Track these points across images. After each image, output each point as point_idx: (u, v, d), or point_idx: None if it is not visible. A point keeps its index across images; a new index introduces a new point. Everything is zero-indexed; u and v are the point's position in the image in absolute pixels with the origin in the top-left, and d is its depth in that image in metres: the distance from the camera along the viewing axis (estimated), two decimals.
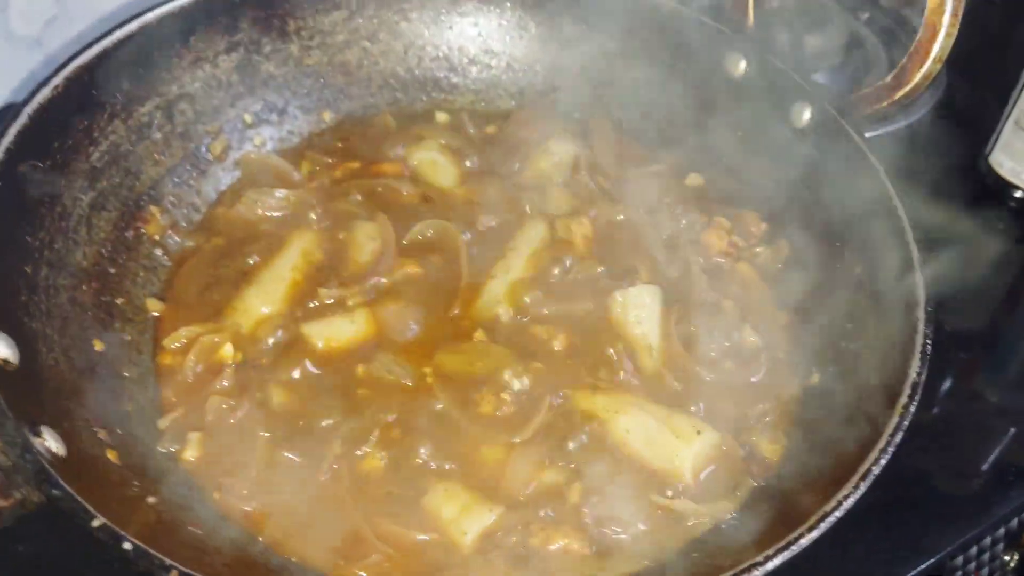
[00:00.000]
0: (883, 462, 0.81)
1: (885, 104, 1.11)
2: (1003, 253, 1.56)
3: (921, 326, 0.91)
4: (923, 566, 1.13)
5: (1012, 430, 1.27)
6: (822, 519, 0.77)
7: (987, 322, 1.46)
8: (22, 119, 0.98)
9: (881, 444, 0.82)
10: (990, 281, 1.52)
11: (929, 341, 0.90)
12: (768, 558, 0.74)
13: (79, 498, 0.72)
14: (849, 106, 1.12)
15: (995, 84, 1.58)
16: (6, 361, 0.82)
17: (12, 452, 0.73)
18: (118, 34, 1.09)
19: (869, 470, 0.80)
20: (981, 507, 1.20)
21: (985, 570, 1.29)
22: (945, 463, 1.23)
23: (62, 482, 0.73)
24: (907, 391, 0.86)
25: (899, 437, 0.83)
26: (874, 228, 1.04)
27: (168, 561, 0.69)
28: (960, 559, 1.26)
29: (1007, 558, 1.30)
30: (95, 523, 0.71)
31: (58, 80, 1.02)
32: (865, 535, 1.14)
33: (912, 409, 0.85)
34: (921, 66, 1.07)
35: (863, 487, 0.79)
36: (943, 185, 1.54)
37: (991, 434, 1.26)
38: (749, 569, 0.73)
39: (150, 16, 1.12)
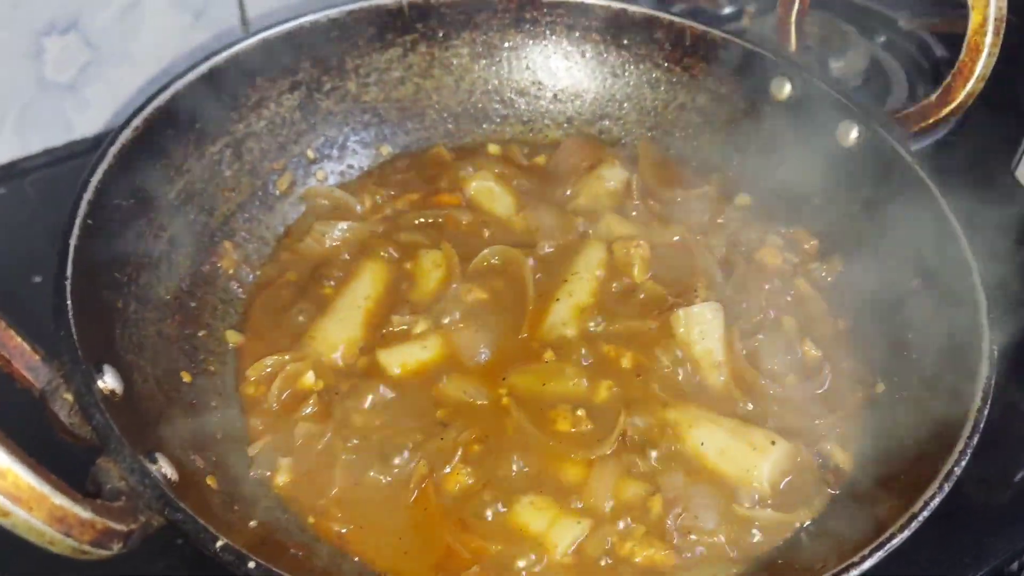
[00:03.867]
0: (963, 463, 0.84)
1: (932, 121, 1.14)
2: None
3: (986, 331, 0.94)
4: (984, 571, 1.15)
5: None
6: (911, 520, 0.80)
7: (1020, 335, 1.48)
8: (107, 159, 1.01)
9: (960, 446, 0.85)
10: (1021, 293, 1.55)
11: (995, 346, 0.93)
12: (863, 558, 0.77)
13: (200, 520, 0.75)
14: (895, 124, 1.16)
15: (1014, 100, 1.62)
16: (113, 392, 0.85)
17: (132, 478, 0.76)
18: (189, 76, 1.13)
19: (951, 471, 0.83)
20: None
21: None
22: (990, 472, 1.25)
23: (183, 505, 0.75)
24: (979, 394, 0.89)
25: (976, 439, 0.86)
26: (928, 241, 1.07)
27: None
28: (1016, 564, 1.28)
29: None
30: (218, 544, 0.73)
31: (138, 121, 1.07)
32: (926, 542, 1.16)
33: (986, 412, 0.88)
34: (966, 84, 1.11)
35: (947, 487, 0.82)
36: (971, 199, 1.58)
37: None
38: (847, 568, 0.75)
39: (218, 58, 1.16)
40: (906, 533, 0.79)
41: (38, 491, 0.63)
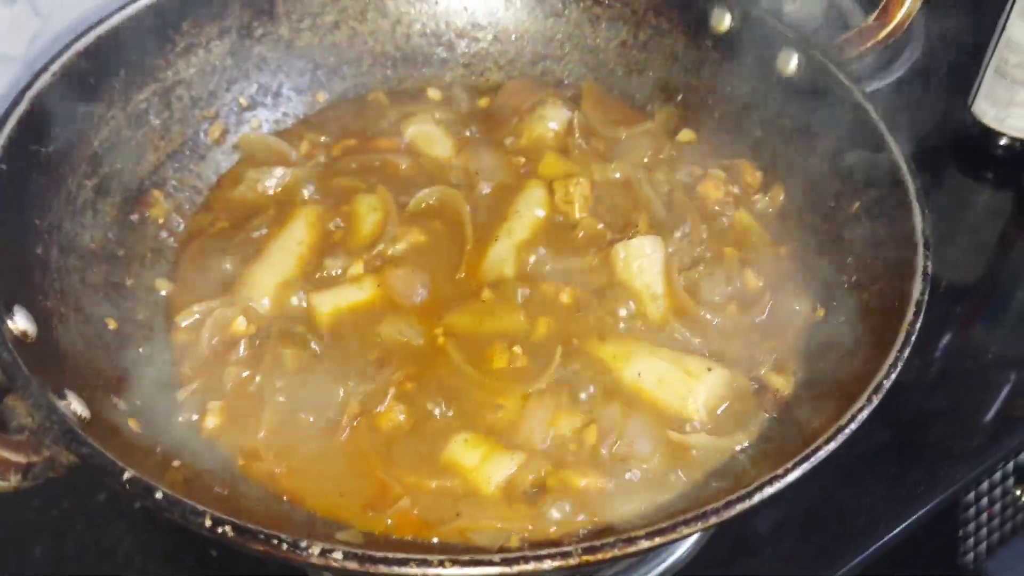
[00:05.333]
0: (893, 376, 0.83)
1: (870, 44, 1.13)
2: (991, 201, 1.59)
3: (920, 248, 0.93)
4: (938, 499, 1.15)
5: (1013, 376, 1.29)
6: (838, 432, 0.78)
7: (980, 273, 1.48)
8: (23, 105, 0.99)
9: (890, 359, 0.83)
10: (980, 230, 1.55)
11: (930, 262, 0.92)
12: (787, 471, 0.75)
13: (108, 454, 0.73)
14: (834, 50, 1.14)
15: (970, 41, 1.60)
16: (25, 334, 0.83)
17: (39, 414, 0.74)
18: (112, 20, 1.10)
19: (880, 384, 0.82)
20: (990, 445, 1.23)
21: (998, 505, 1.31)
22: (952, 409, 1.25)
23: (90, 440, 0.73)
24: (912, 309, 0.88)
25: (907, 353, 0.85)
26: (868, 164, 1.06)
27: (201, 507, 0.70)
28: (973, 495, 1.28)
29: (1018, 492, 1.32)
30: (125, 476, 0.72)
31: (55, 67, 1.04)
32: (881, 473, 1.16)
33: (917, 327, 0.87)
34: (902, 5, 1.09)
35: (876, 400, 0.81)
36: (928, 139, 1.58)
37: (992, 382, 1.29)
38: (771, 481, 0.74)
39: (141, 3, 1.13)
40: (832, 445, 0.77)
41: None
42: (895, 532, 1.11)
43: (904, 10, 1.08)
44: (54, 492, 1.06)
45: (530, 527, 0.87)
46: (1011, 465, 1.29)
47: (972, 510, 1.27)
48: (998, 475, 1.28)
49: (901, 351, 0.84)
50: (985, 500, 1.28)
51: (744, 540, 1.08)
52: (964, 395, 1.28)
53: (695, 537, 1.06)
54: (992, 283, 1.47)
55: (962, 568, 1.35)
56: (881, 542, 1.11)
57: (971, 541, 1.30)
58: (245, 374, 0.99)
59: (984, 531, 1.30)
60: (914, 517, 1.13)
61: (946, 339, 1.35)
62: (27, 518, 1.05)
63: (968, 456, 1.21)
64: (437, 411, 0.96)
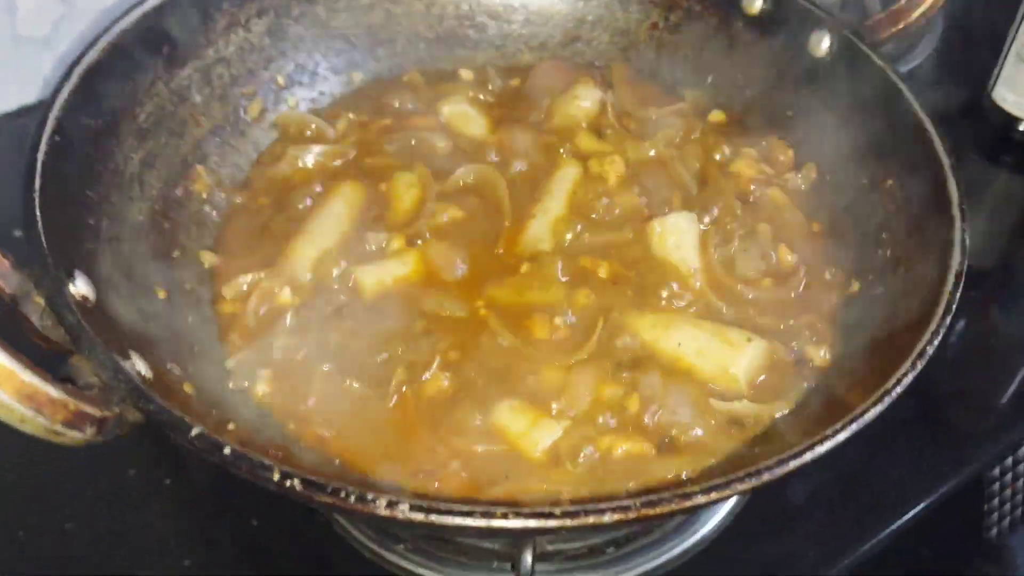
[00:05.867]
0: (936, 342, 0.84)
1: (902, 26, 1.14)
2: (1009, 187, 1.61)
3: (958, 221, 0.94)
4: (964, 474, 1.17)
5: None
6: (884, 395, 0.80)
7: (998, 257, 1.50)
8: (73, 79, 1.00)
9: (932, 326, 0.85)
10: (999, 215, 1.56)
11: (967, 235, 0.94)
12: (836, 431, 0.77)
13: (175, 412, 0.74)
14: (867, 31, 1.16)
15: (989, 28, 1.62)
16: (86, 298, 0.85)
17: (104, 372, 0.76)
18: (153, 0, 1.12)
19: (924, 350, 0.83)
20: (1012, 421, 1.24)
21: (1021, 481, 1.33)
22: (970, 391, 1.27)
23: (157, 397, 0.75)
24: (951, 280, 0.89)
25: (948, 320, 0.86)
26: (901, 141, 1.07)
27: (268, 461, 0.72)
28: (998, 470, 1.30)
29: None
30: (193, 432, 0.73)
31: (103, 43, 1.05)
32: (908, 449, 1.18)
33: (957, 296, 0.89)
34: None
35: (920, 365, 0.82)
36: (948, 124, 1.59)
37: (1011, 364, 1.30)
38: (821, 441, 0.76)
39: None
40: (879, 408, 0.79)
41: (6, 368, 0.62)
42: (922, 506, 1.13)
43: None
44: (86, 469, 1.07)
45: (579, 490, 0.89)
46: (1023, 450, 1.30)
47: (996, 485, 1.29)
48: (1022, 452, 1.30)
49: (943, 318, 0.86)
50: (1009, 476, 1.30)
51: (779, 511, 1.10)
52: (984, 376, 1.29)
53: (728, 507, 1.08)
54: (1011, 267, 1.49)
55: (987, 542, 1.36)
56: (908, 516, 1.12)
57: (995, 516, 1.32)
58: (293, 343, 1.00)
59: (1008, 506, 1.32)
60: (941, 491, 1.14)
61: (963, 322, 1.37)
62: (59, 494, 1.06)
63: (992, 434, 1.22)
64: (482, 379, 0.98)
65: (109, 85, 1.05)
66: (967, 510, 1.34)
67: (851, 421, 0.78)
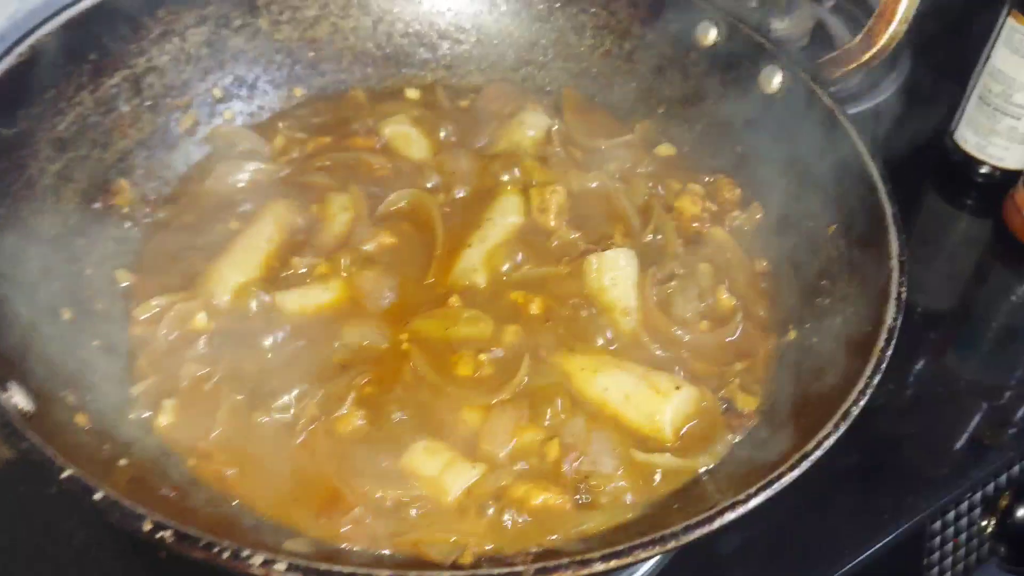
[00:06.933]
0: (861, 403, 0.81)
1: (853, 66, 1.12)
2: (969, 228, 1.59)
3: (895, 274, 0.92)
4: (903, 528, 1.14)
5: (984, 405, 1.29)
6: (803, 459, 0.77)
7: (957, 299, 1.48)
8: None
9: (860, 385, 0.82)
10: (958, 257, 1.54)
11: (904, 289, 0.91)
12: (749, 496, 0.74)
13: (46, 450, 0.70)
14: (818, 70, 1.13)
15: (956, 67, 1.61)
16: None
17: None
18: (84, 4, 1.07)
19: (849, 411, 0.80)
20: (958, 473, 1.22)
21: (963, 535, 1.30)
22: (923, 436, 1.25)
23: (29, 435, 0.71)
24: (883, 336, 0.87)
25: (876, 380, 0.84)
26: (846, 187, 1.05)
27: (140, 510, 0.67)
28: (939, 524, 1.27)
29: (984, 523, 1.31)
30: (64, 474, 0.69)
31: (22, 48, 1.01)
32: (848, 498, 1.15)
33: (888, 354, 0.86)
34: (887, 27, 1.09)
35: (842, 427, 0.80)
36: (910, 163, 1.57)
37: (964, 410, 1.28)
38: (732, 507, 0.73)
39: None
40: (795, 473, 0.76)
41: None
42: (860, 559, 1.10)
43: (888, 34, 1.08)
44: (10, 477, 1.02)
45: (486, 542, 0.85)
46: (978, 495, 1.28)
47: (938, 539, 1.26)
48: (964, 505, 1.27)
49: (871, 378, 0.83)
50: (951, 530, 1.27)
51: (707, 563, 1.06)
52: (935, 422, 1.27)
53: (655, 560, 1.04)
54: (967, 310, 1.47)
55: None
56: (845, 569, 1.09)
57: (936, 571, 1.29)
58: (202, 372, 0.96)
59: (949, 560, 1.29)
60: (879, 544, 1.12)
61: (920, 364, 1.34)
62: None
63: (936, 485, 1.20)
64: (398, 417, 0.94)
65: (26, 92, 1.01)
66: (907, 563, 1.31)
67: (765, 486, 0.75)
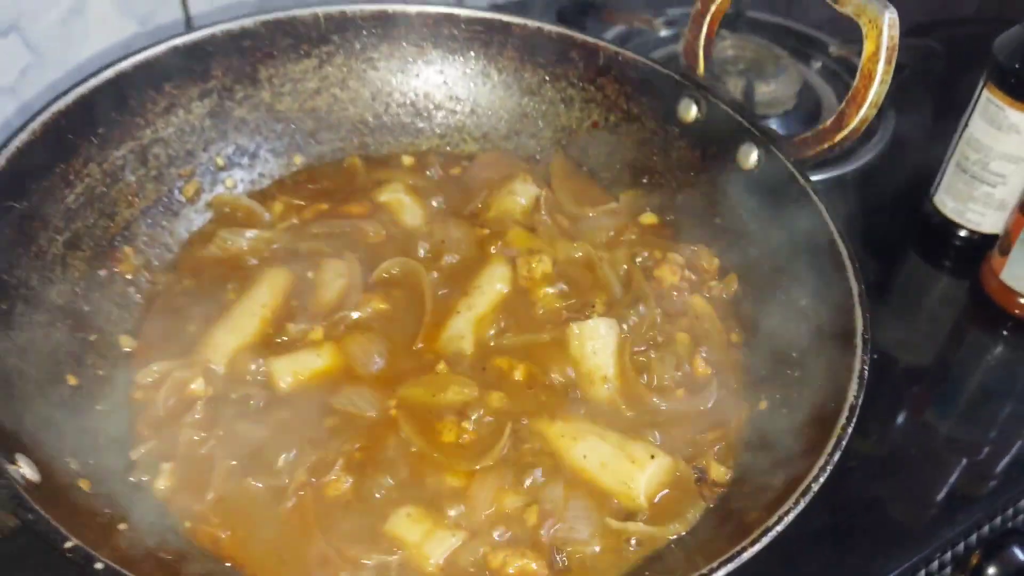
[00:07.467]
0: (822, 480, 0.85)
1: (826, 146, 1.17)
2: (948, 289, 1.63)
3: (859, 352, 0.96)
4: None
5: (964, 461, 1.32)
6: (764, 533, 0.81)
7: (934, 357, 1.52)
8: None
9: (820, 462, 0.86)
10: (937, 317, 1.59)
11: (866, 367, 0.95)
12: (712, 570, 0.78)
13: (52, 521, 0.75)
14: (793, 148, 1.18)
15: (938, 132, 1.66)
16: None
17: None
18: (94, 81, 1.13)
19: (809, 487, 0.84)
20: (930, 531, 1.24)
21: None
22: (900, 493, 1.28)
23: (35, 506, 0.75)
24: (845, 413, 0.91)
25: (837, 456, 0.88)
26: (817, 263, 1.09)
27: None
28: None
29: None
30: (68, 544, 0.73)
31: (35, 125, 1.06)
32: (818, 557, 1.18)
33: (849, 431, 0.90)
34: (859, 111, 1.13)
35: (803, 502, 0.83)
36: (891, 225, 1.62)
37: (943, 465, 1.32)
38: None
39: (125, 64, 1.16)
40: (756, 548, 0.80)
41: None
42: None
43: (860, 116, 1.13)
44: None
45: None
46: (949, 554, 1.31)
47: None
48: (935, 564, 1.30)
49: (831, 455, 0.87)
50: None
51: None
52: (912, 476, 1.30)
53: None
54: (945, 368, 1.51)
55: None
56: None
57: None
58: (199, 436, 1.00)
59: None
60: None
61: (898, 419, 1.38)
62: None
63: (908, 543, 1.23)
64: (384, 483, 0.98)
65: (38, 167, 1.07)
66: None
67: (727, 560, 0.79)
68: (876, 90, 1.12)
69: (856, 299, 1.01)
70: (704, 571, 0.78)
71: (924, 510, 1.27)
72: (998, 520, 1.32)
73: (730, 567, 0.78)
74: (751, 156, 1.21)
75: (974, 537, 1.31)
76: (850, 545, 1.21)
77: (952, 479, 1.31)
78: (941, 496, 1.29)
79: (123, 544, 0.86)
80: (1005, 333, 1.52)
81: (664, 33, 1.93)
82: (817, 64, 1.98)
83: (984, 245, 1.56)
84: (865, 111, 1.14)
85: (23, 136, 1.05)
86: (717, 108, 1.25)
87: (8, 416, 0.88)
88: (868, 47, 1.11)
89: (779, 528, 0.82)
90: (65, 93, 1.11)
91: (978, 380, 1.48)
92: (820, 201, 1.12)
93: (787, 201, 1.16)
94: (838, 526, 1.22)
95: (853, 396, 0.92)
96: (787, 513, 0.83)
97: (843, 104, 1.15)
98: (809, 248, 1.11)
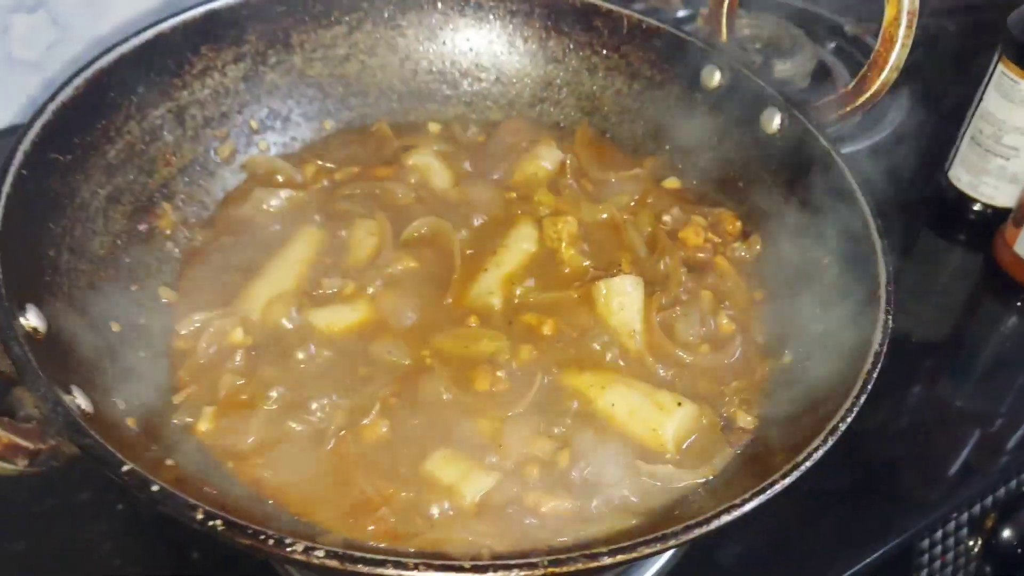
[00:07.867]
0: (849, 420, 0.88)
1: (848, 110, 1.19)
2: (962, 263, 1.66)
3: (883, 302, 0.99)
4: (891, 545, 1.20)
5: (976, 431, 1.35)
6: (794, 468, 0.84)
7: (949, 330, 1.54)
8: (46, 115, 1.04)
9: (847, 404, 0.89)
10: (951, 290, 1.61)
11: (890, 317, 0.98)
12: (744, 501, 0.80)
13: (109, 447, 0.77)
14: (815, 112, 1.21)
15: (953, 108, 1.69)
16: (35, 330, 0.88)
17: (45, 406, 0.79)
18: (135, 40, 1.16)
19: (836, 426, 0.87)
20: (946, 493, 1.27)
21: (951, 554, 1.36)
22: (915, 459, 1.31)
23: (93, 432, 0.78)
24: (871, 359, 0.93)
25: (863, 399, 0.90)
26: (840, 222, 1.12)
27: (193, 501, 0.75)
28: (927, 542, 1.33)
29: (971, 543, 1.37)
30: (124, 468, 0.76)
31: (79, 81, 1.09)
32: (837, 516, 1.21)
33: (875, 375, 0.93)
34: (880, 75, 1.16)
35: (831, 441, 0.86)
36: (908, 199, 1.64)
37: (954, 436, 1.34)
38: (728, 510, 0.79)
39: (164, 25, 1.19)
40: (787, 480, 0.82)
41: None
42: (851, 573, 1.16)
43: (880, 80, 1.15)
44: (39, 489, 1.10)
45: (501, 543, 0.91)
46: (965, 516, 1.34)
47: (925, 557, 1.32)
48: (952, 525, 1.33)
49: (857, 397, 0.89)
50: (939, 548, 1.33)
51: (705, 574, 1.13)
52: (926, 446, 1.33)
53: (657, 567, 1.11)
54: (960, 340, 1.54)
55: None
56: None
57: None
58: (239, 382, 1.03)
59: None
60: (869, 559, 1.17)
61: (914, 391, 1.41)
62: (11, 513, 1.09)
63: (924, 505, 1.26)
64: (419, 427, 1.01)
65: (81, 122, 1.09)
66: None
67: (759, 492, 0.81)
68: (897, 54, 1.14)
69: (879, 253, 1.04)
70: (736, 502, 0.80)
71: (940, 474, 1.30)
72: (1013, 483, 1.35)
73: (761, 499, 0.81)
74: (774, 120, 1.23)
75: (990, 500, 1.34)
76: (866, 504, 1.24)
77: (968, 446, 1.34)
78: (957, 461, 1.32)
79: (171, 476, 0.89)
80: (1019, 304, 1.55)
81: (682, 13, 1.95)
82: (831, 44, 2.01)
83: (998, 218, 1.59)
84: (886, 75, 1.16)
85: (67, 91, 1.07)
86: (740, 74, 1.27)
87: (59, 353, 0.90)
88: (889, 11, 1.13)
89: (807, 464, 0.84)
90: (108, 50, 1.14)
91: (992, 351, 1.51)
92: (843, 161, 1.14)
93: (810, 163, 1.18)
94: (855, 487, 1.25)
95: (878, 344, 0.95)
96: (816, 450, 0.85)
97: (864, 68, 1.17)
98: (832, 208, 1.13)
